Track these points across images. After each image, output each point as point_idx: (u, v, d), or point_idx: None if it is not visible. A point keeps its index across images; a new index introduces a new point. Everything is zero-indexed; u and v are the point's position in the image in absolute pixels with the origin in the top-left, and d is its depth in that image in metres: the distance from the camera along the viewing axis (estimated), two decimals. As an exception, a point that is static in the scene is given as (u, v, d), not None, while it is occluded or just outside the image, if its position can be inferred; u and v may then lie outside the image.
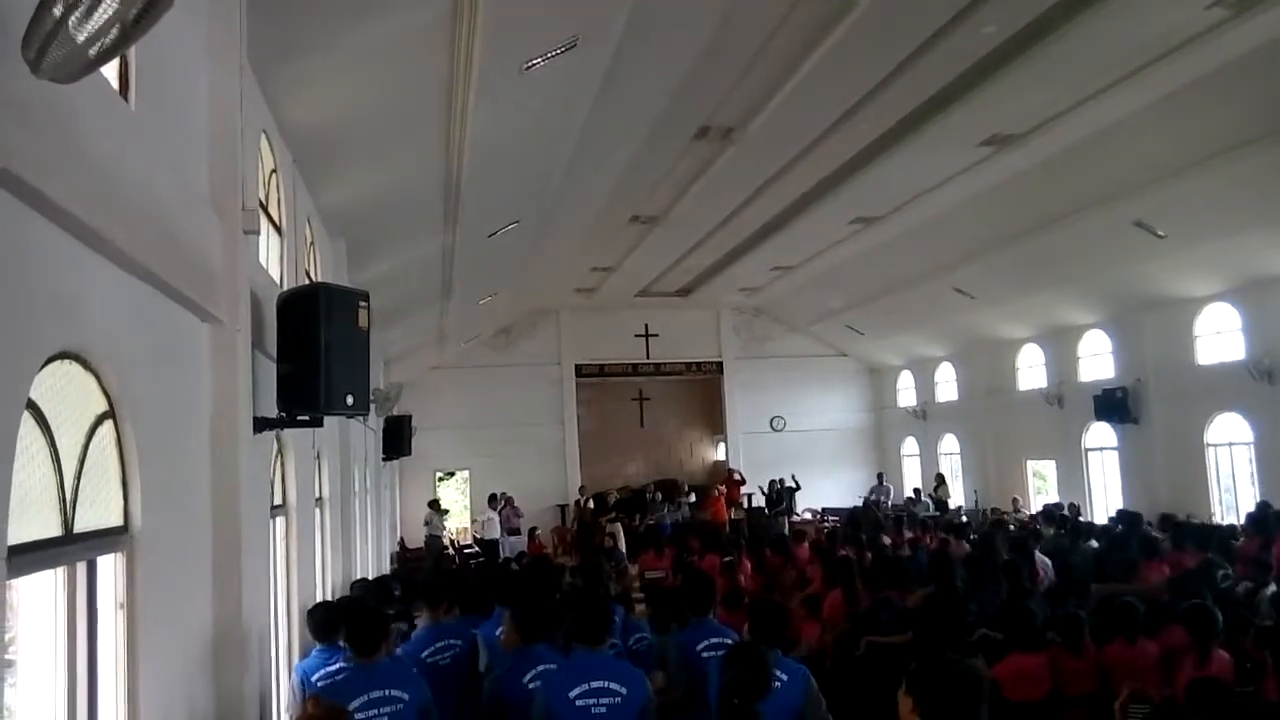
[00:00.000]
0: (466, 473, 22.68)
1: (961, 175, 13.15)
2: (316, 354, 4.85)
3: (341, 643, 5.19)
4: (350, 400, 5.11)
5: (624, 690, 4.09)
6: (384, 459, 14.63)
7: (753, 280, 20.96)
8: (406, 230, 10.58)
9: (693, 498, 21.38)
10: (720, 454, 25.05)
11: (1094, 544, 10.38)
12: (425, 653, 5.28)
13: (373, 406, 11.16)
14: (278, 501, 6.34)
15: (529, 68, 7.36)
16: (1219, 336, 14.85)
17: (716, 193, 13.96)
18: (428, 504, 18.67)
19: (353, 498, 10.01)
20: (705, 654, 5.00)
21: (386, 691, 4.10)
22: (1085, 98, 10.55)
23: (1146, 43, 9.34)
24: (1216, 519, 14.03)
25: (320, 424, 5.54)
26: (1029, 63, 9.66)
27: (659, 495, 21.21)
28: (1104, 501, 17.14)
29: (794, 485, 20.44)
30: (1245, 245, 13.02)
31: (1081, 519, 14.74)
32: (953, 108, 10.87)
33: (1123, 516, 11.73)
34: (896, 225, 15.64)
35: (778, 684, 3.87)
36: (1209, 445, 15.08)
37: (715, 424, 25.18)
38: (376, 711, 4.01)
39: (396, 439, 14.19)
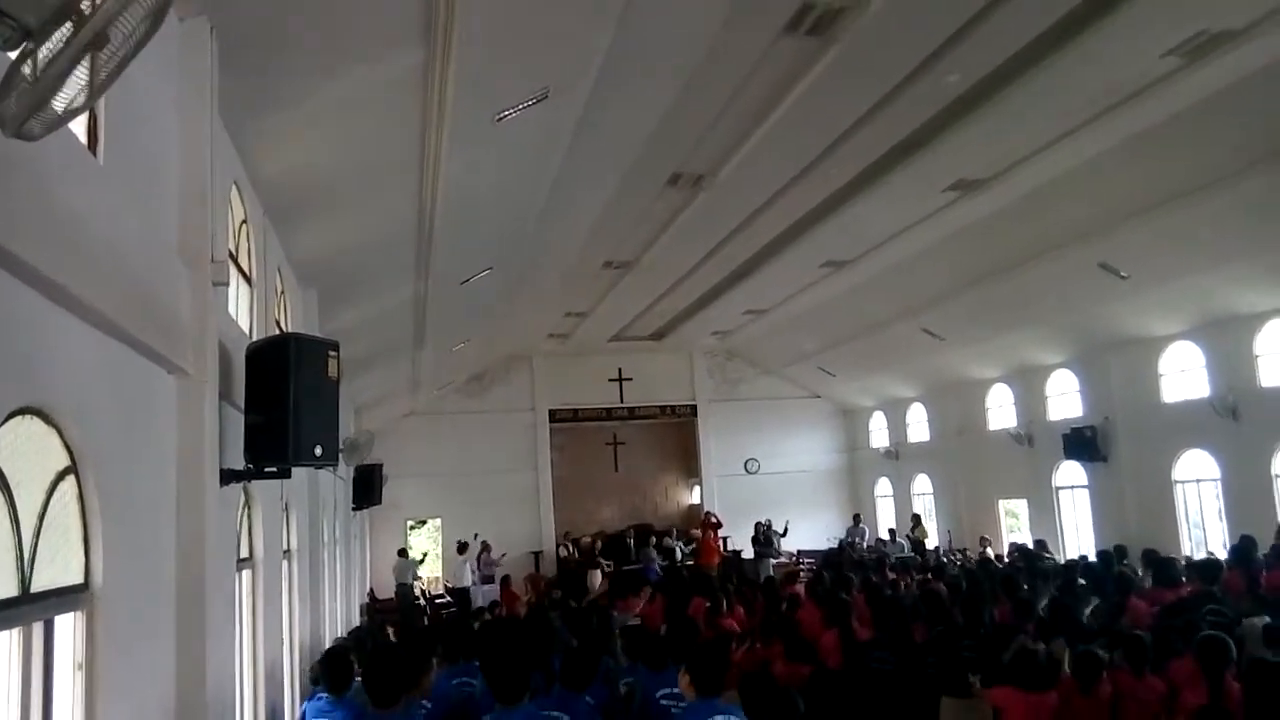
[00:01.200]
0: (439, 520, 22.43)
1: (928, 220, 13.38)
2: (285, 405, 4.81)
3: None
4: (319, 451, 5.06)
5: None
6: (354, 508, 14.44)
7: (725, 324, 21.10)
8: (378, 278, 10.57)
9: (685, 545, 21.20)
10: (695, 497, 24.98)
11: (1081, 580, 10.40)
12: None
13: (342, 456, 11.04)
14: (244, 555, 6.23)
15: (501, 119, 7.44)
16: (1183, 374, 15.10)
17: (688, 238, 14.10)
18: (397, 552, 18.41)
19: (321, 549, 9.85)
20: (663, 702, 4.93)
21: None
22: (1047, 143, 10.81)
23: (1105, 90, 9.61)
24: (1186, 553, 14.13)
25: (288, 475, 5.48)
26: (992, 110, 9.91)
27: (652, 539, 21.07)
28: (1075, 539, 17.25)
29: (781, 531, 20.41)
30: (1206, 285, 13.31)
31: (1049, 555, 14.86)
32: (918, 154, 11.09)
33: (1102, 556, 11.77)
34: (866, 269, 15.84)
35: None
36: (1176, 482, 15.25)
37: (690, 467, 25.15)
38: None
39: (367, 488, 14.03)
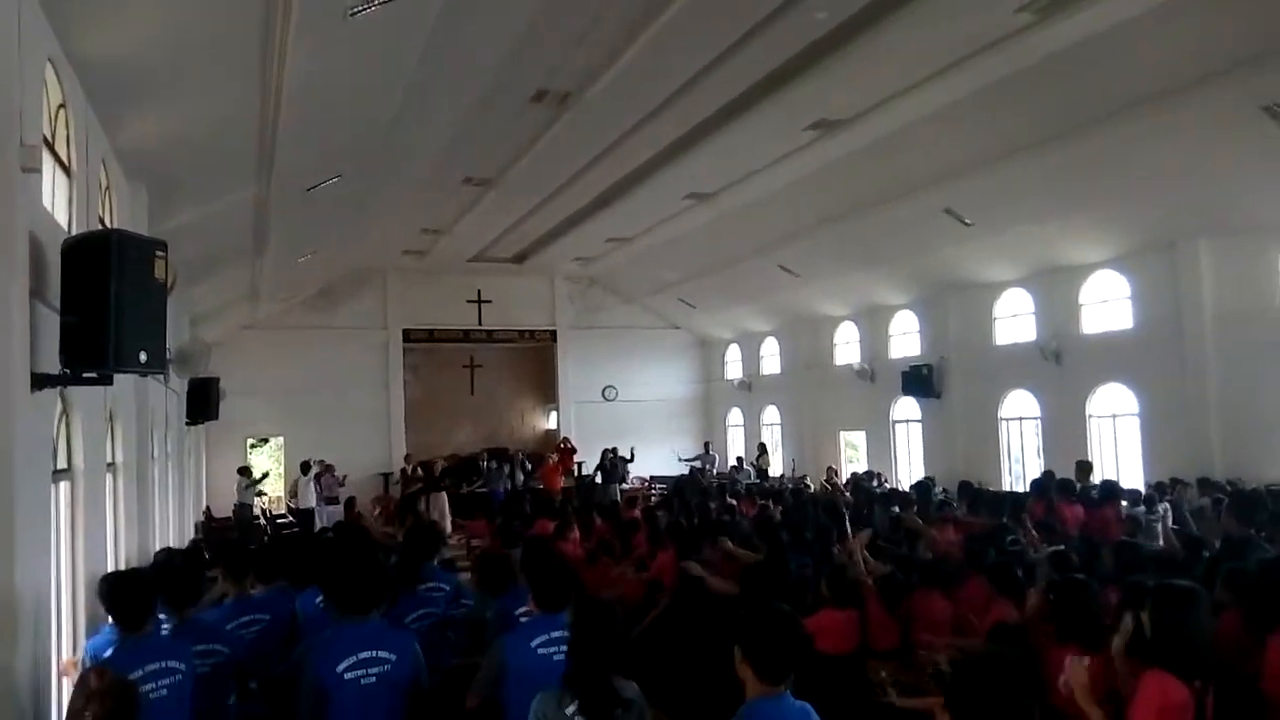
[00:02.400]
0: (281, 439, 21.72)
1: (789, 157, 13.67)
2: (105, 306, 4.51)
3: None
4: (144, 357, 4.79)
5: (392, 657, 4.08)
6: (188, 423, 13.80)
7: (588, 250, 21.05)
8: (216, 178, 9.95)
9: (528, 466, 21.41)
10: (552, 423, 25.15)
11: (895, 509, 11.17)
12: (230, 625, 5.11)
13: (173, 367, 10.49)
14: (62, 465, 5.88)
15: (355, 13, 7.05)
16: (1015, 319, 16.22)
17: (552, 159, 13.90)
18: (238, 471, 17.78)
19: (151, 463, 9.39)
20: (523, 619, 5.05)
21: (163, 663, 3.98)
22: (905, 89, 11.18)
23: (962, 40, 9.99)
24: (1006, 486, 15.37)
25: (109, 382, 5.17)
26: (855, 51, 10.14)
27: (494, 463, 21.10)
28: (908, 470, 18.44)
29: (628, 457, 20.86)
30: (1042, 235, 14.24)
31: (887, 485, 15.87)
32: (783, 90, 11.27)
33: (917, 486, 12.64)
34: (727, 202, 16.10)
35: None
36: (1002, 419, 16.49)
37: (548, 393, 25.24)
38: (154, 685, 3.89)
39: (203, 402, 13.40)
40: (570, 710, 3.32)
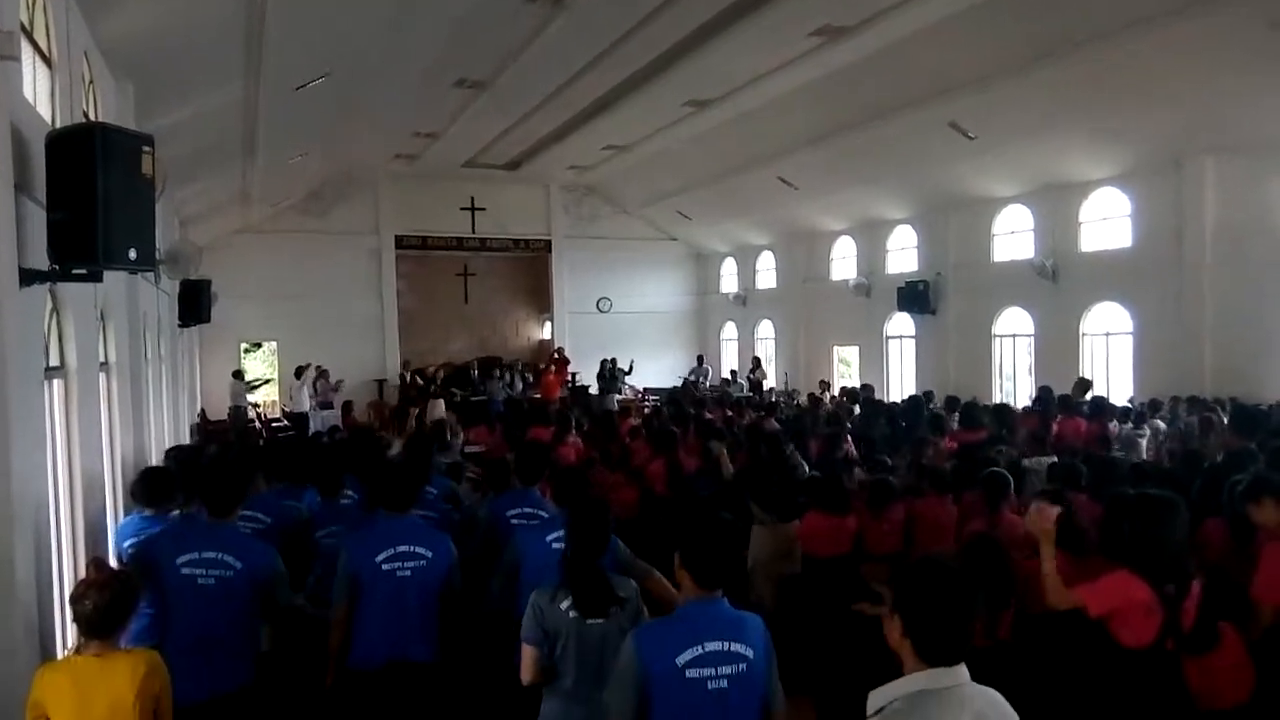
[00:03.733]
0: (274, 344, 21.75)
1: (792, 65, 13.36)
2: (92, 201, 4.46)
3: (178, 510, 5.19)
4: (134, 254, 4.76)
5: (429, 554, 4.21)
6: (180, 326, 13.79)
7: (584, 158, 20.74)
8: (204, 75, 9.71)
9: (529, 377, 21.53)
10: (546, 333, 25.19)
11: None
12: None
13: (164, 268, 10.42)
14: (54, 363, 5.91)
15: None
16: (1013, 236, 16.15)
17: (548, 62, 13.55)
18: (232, 374, 17.87)
19: (144, 364, 9.42)
20: (514, 521, 5.18)
21: (220, 555, 4.05)
22: (912, -6, 10.88)
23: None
24: (996, 401, 15.50)
25: (99, 279, 5.15)
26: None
27: (495, 371, 21.25)
28: (900, 385, 18.61)
29: (626, 368, 21.00)
30: (1044, 151, 14.06)
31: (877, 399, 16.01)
32: (787, -9, 10.96)
33: (910, 399, 12.78)
34: (727, 110, 15.79)
35: None
36: (996, 336, 16.57)
37: (542, 303, 25.20)
38: (204, 572, 3.98)
39: (194, 305, 13.33)
40: (564, 605, 3.41)
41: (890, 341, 19.19)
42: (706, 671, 2.83)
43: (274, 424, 18.11)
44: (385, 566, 4.13)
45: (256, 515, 5.51)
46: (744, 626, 2.94)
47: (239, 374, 18.06)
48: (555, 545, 4.15)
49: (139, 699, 3.21)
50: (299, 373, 18.30)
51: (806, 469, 8.13)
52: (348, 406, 16.75)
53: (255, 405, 19.04)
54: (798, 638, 6.14)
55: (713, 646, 2.86)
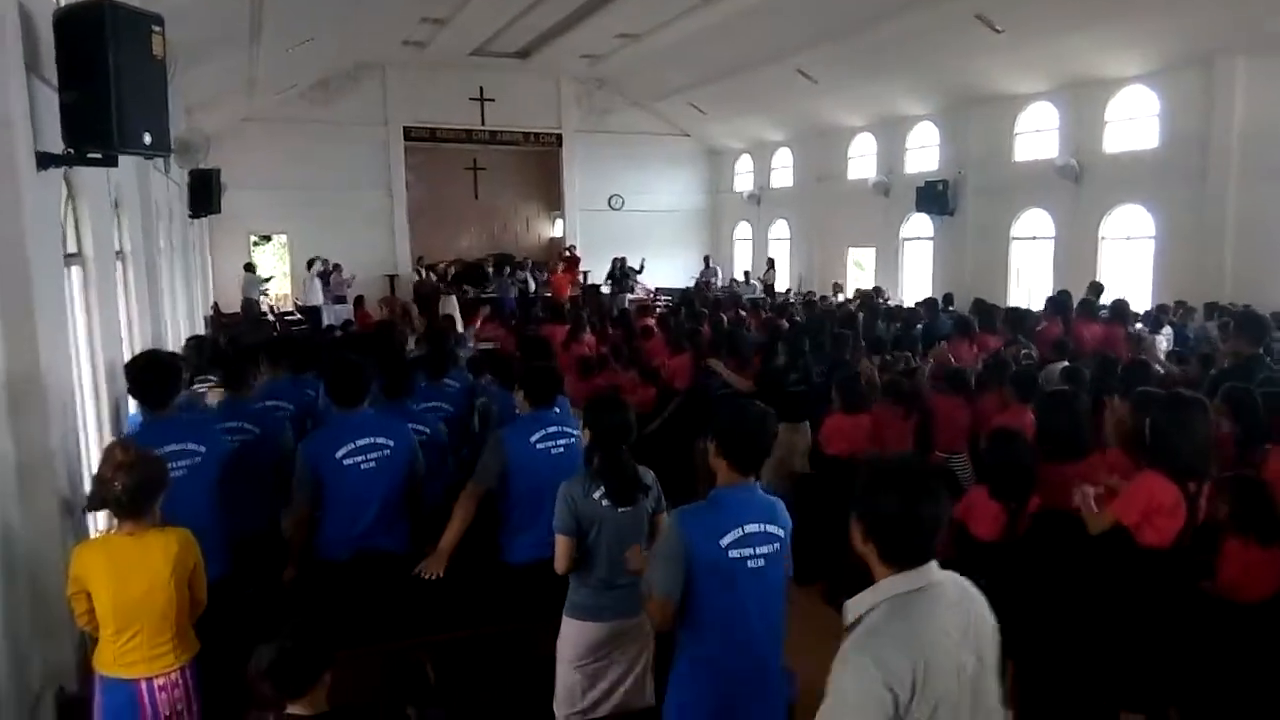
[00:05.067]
0: (284, 237, 21.68)
1: (817, -52, 12.86)
2: (105, 81, 4.37)
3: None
4: (148, 139, 4.69)
5: (390, 443, 4.29)
6: (191, 216, 13.72)
7: (596, 47, 20.16)
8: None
9: (543, 275, 21.47)
10: (557, 230, 25.02)
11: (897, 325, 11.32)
12: (258, 406, 5.36)
13: (174, 157, 10.31)
14: (72, 250, 5.90)
15: None
16: (1036, 135, 15.78)
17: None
18: (244, 267, 17.86)
19: (158, 254, 9.41)
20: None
21: (183, 445, 4.12)
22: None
23: None
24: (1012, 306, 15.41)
25: (114, 163, 5.09)
26: None
27: (506, 268, 21.20)
28: (914, 288, 18.50)
29: (637, 267, 20.92)
30: (1074, 45, 13.61)
31: (891, 302, 15.96)
32: None
33: (926, 303, 12.70)
34: (747, -2, 15.26)
35: None
36: (1014, 239, 16.38)
37: (553, 198, 24.95)
38: (172, 465, 3.95)
39: (204, 195, 13.23)
40: (597, 494, 3.52)
41: (906, 244, 19.00)
42: (746, 551, 3.01)
43: (287, 317, 18.19)
44: (346, 461, 4.20)
45: (280, 402, 5.63)
46: (775, 509, 3.13)
47: (250, 267, 18.06)
48: (540, 446, 4.19)
49: (174, 574, 3.33)
50: (310, 265, 18.28)
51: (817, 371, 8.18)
52: (359, 301, 16.75)
53: (267, 293, 19.07)
54: (810, 531, 6.32)
55: (751, 528, 3.03)
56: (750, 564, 3.00)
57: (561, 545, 3.51)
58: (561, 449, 4.22)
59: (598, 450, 3.54)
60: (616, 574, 3.51)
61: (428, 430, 5.12)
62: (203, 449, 4.15)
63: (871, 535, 2.07)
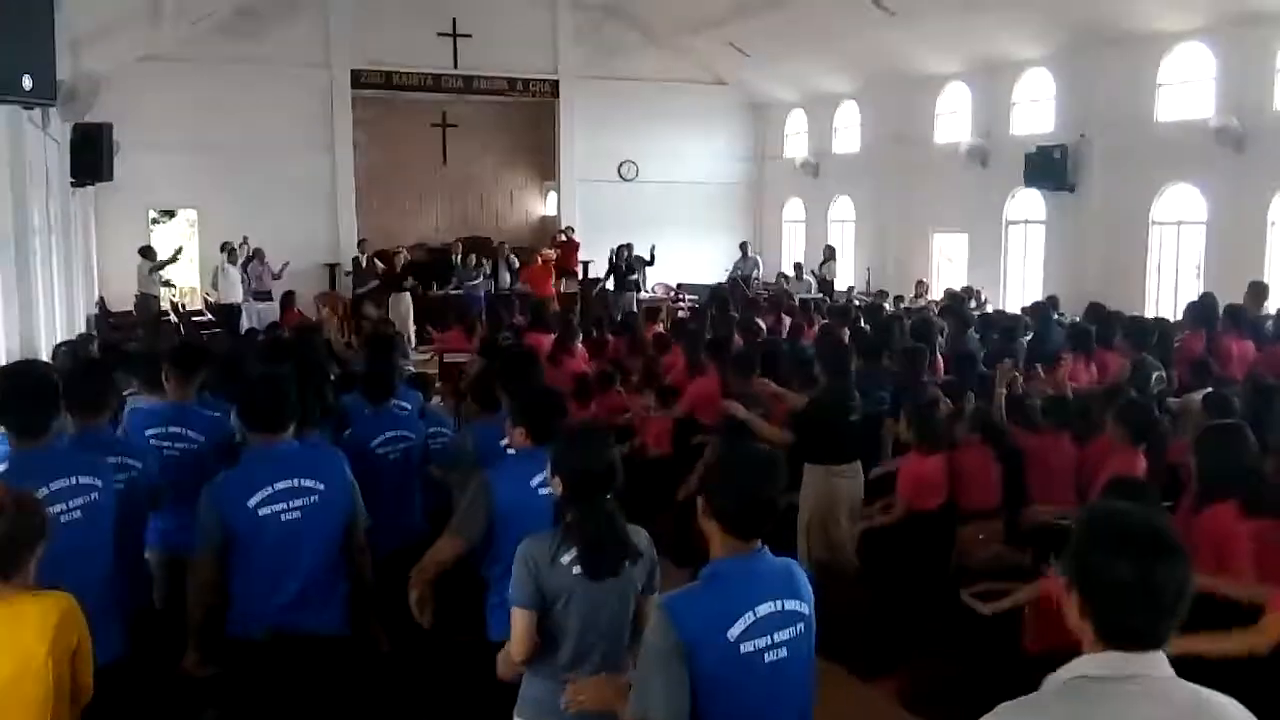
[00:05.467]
0: (193, 213, 21.85)
1: None
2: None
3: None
4: (29, 83, 4.78)
5: (320, 486, 4.27)
6: (73, 184, 13.88)
7: (605, -35, 20.36)
8: None
9: (516, 264, 21.54)
10: (551, 207, 25.15)
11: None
12: (151, 434, 5.37)
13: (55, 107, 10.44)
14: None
15: None
16: (1186, 87, 15.76)
17: None
18: (139, 252, 18.00)
19: (32, 236, 9.53)
20: (509, 450, 5.21)
21: (73, 479, 4.12)
22: None
23: None
24: (1151, 313, 15.36)
25: (-16, 115, 5.19)
26: None
27: (474, 258, 21.21)
28: (1021, 288, 18.48)
29: (647, 257, 20.96)
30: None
31: (988, 307, 15.97)
32: None
33: (1036, 306, 12.67)
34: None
35: None
36: (1154, 223, 16.35)
37: (545, 165, 25.13)
38: (64, 505, 4.00)
39: (91, 156, 13.42)
40: (566, 559, 3.48)
41: (1011, 228, 18.98)
42: (762, 641, 2.92)
43: (195, 317, 18.33)
44: (264, 511, 4.18)
45: (185, 432, 5.64)
46: (795, 578, 3.07)
47: (148, 252, 18.16)
48: (544, 492, 4.10)
49: (51, 653, 3.28)
50: (226, 250, 18.37)
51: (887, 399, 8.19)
52: (288, 298, 16.89)
53: (169, 284, 19.16)
54: (879, 609, 6.33)
55: (765, 609, 2.94)
56: (768, 656, 2.92)
57: (519, 624, 3.50)
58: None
59: (570, 501, 3.52)
60: (586, 664, 3.49)
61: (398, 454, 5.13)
62: (99, 483, 4.17)
63: (1090, 608, 2.06)
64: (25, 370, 4.61)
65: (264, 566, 4.20)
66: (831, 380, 7.41)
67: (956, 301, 15.28)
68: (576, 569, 3.46)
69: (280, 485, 4.20)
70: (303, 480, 4.24)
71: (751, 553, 2.98)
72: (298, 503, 4.22)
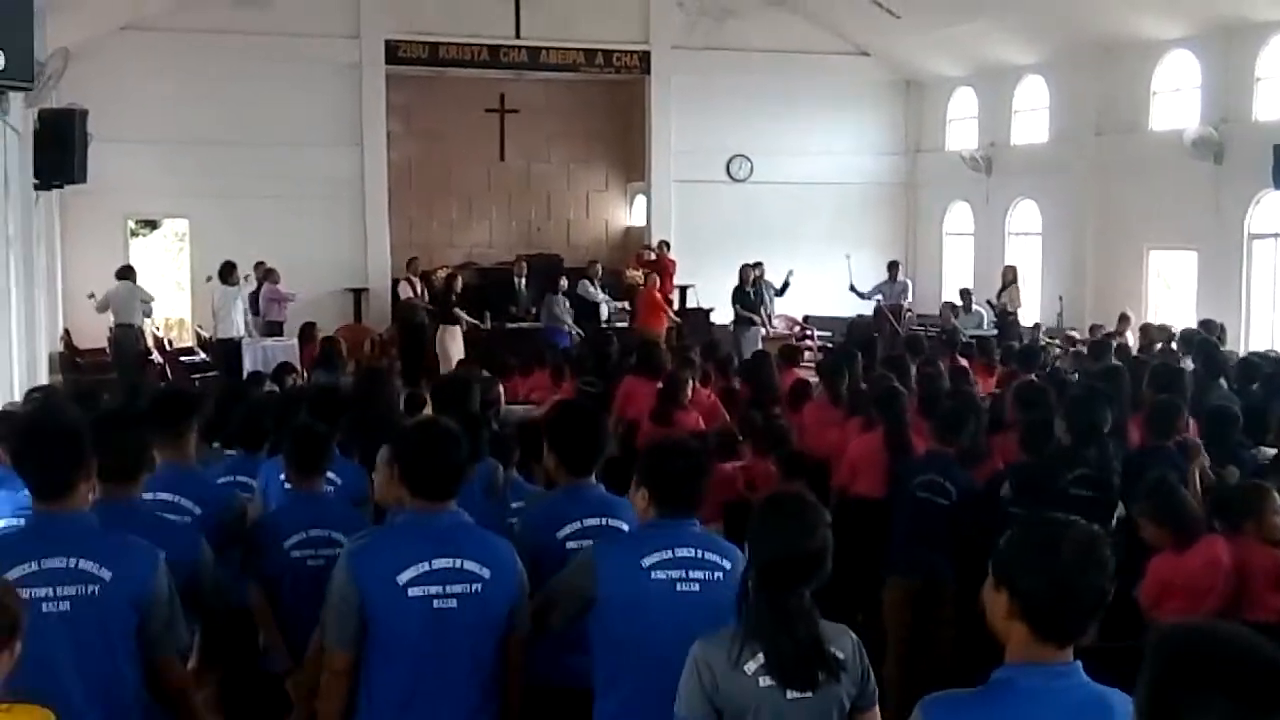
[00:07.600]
0: (184, 224, 22.24)
1: None
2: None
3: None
4: (1, 61, 4.87)
5: (485, 573, 4.25)
6: (37, 187, 14.16)
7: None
8: None
9: (614, 297, 21.49)
10: (638, 216, 25.24)
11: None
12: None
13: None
14: None
15: None
16: None
17: None
18: (116, 275, 18.31)
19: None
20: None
21: (71, 563, 4.09)
22: None
23: None
24: None
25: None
26: None
27: (563, 282, 21.02)
28: (1271, 321, 18.07)
29: (782, 283, 20.90)
30: None
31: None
32: None
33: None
34: None
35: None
36: None
37: (631, 161, 25.27)
38: (50, 591, 3.98)
39: (59, 152, 13.68)
40: (751, 667, 3.47)
41: (1256, 243, 18.59)
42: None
43: (183, 358, 18.57)
44: (413, 591, 4.17)
45: (178, 500, 5.64)
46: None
47: (127, 271, 18.43)
48: (658, 575, 4.22)
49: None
50: (228, 273, 18.57)
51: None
52: (307, 332, 17.06)
53: (151, 313, 19.46)
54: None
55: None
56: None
57: None
58: (696, 586, 4.21)
59: (757, 592, 3.52)
60: None
61: None
62: (105, 575, 4.13)
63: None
64: (47, 416, 4.67)
65: (404, 663, 4.18)
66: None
67: (1206, 340, 14.78)
68: (765, 679, 3.46)
69: (438, 564, 4.19)
70: (464, 562, 4.24)
71: (1065, 665, 2.87)
72: (457, 588, 4.20)
